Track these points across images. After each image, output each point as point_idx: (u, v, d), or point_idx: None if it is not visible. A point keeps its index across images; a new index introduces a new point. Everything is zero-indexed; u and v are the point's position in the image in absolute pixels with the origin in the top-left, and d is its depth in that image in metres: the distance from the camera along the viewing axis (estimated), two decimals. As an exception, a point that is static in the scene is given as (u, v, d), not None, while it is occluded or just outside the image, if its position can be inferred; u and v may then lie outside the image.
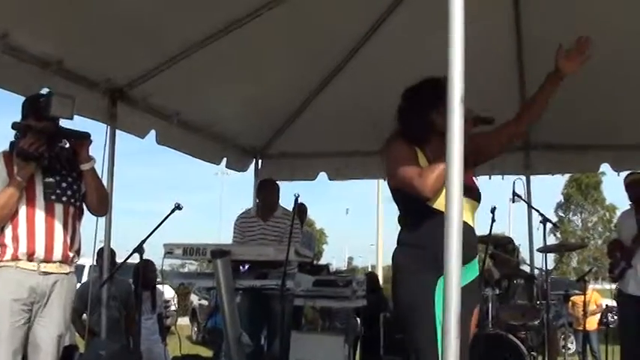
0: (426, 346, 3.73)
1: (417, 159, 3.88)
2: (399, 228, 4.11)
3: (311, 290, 7.02)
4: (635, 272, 7.28)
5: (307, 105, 8.40)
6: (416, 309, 3.80)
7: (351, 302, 7.30)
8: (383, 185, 51.09)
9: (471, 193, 4.04)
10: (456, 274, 2.66)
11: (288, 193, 8.01)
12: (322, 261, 47.29)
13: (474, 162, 4.17)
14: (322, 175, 9.46)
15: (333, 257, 71.82)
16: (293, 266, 7.06)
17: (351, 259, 78.60)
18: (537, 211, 7.88)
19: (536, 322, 7.12)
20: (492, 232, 7.47)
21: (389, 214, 58.55)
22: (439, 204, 3.77)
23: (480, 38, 6.56)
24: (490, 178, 8.83)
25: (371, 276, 10.13)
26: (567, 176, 46.01)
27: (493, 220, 7.36)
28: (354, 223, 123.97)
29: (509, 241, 8.74)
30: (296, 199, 6.54)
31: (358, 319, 9.17)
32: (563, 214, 55.60)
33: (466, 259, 3.98)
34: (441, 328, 3.57)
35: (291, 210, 7.11)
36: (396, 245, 4.08)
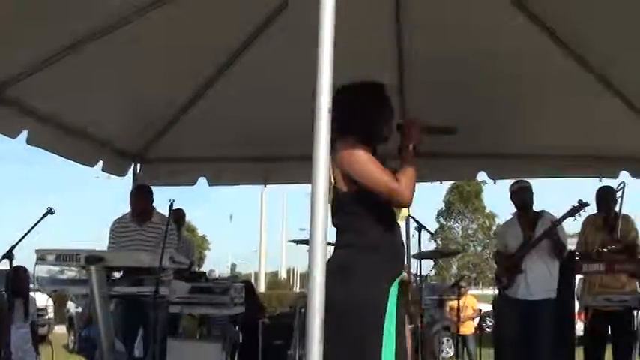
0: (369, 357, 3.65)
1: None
2: (344, 231, 3.93)
3: (187, 297, 6.97)
4: (525, 277, 7.53)
5: (187, 110, 8.28)
6: (364, 316, 3.69)
7: (229, 309, 7.27)
8: (265, 191, 51.44)
9: None
10: (320, 278, 2.66)
11: (175, 198, 7.89)
12: (205, 267, 46.98)
13: None
14: (202, 181, 9.37)
15: (216, 264, 71.47)
16: (169, 273, 6.99)
17: (234, 265, 78.49)
18: (413, 218, 8.03)
19: (410, 325, 7.23)
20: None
21: (272, 220, 58.92)
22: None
23: (361, 52, 6.69)
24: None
25: (248, 283, 10.10)
26: (449, 184, 46.96)
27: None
28: (237, 229, 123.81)
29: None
30: (171, 205, 6.46)
31: (237, 327, 9.15)
32: (444, 221, 56.74)
33: (402, 268, 4.01)
34: (389, 337, 3.67)
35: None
36: (342, 248, 3.91)
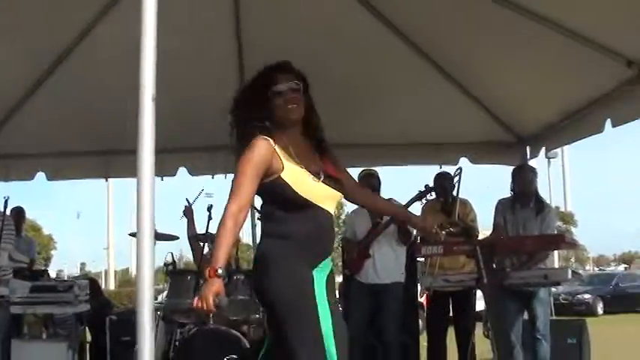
0: (309, 342, 3.65)
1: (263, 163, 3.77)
2: (264, 220, 4.01)
3: (29, 297, 6.82)
4: (374, 262, 7.68)
5: (23, 104, 8.03)
6: (296, 304, 3.70)
7: (74, 307, 7.17)
8: (112, 186, 50.44)
9: (336, 183, 4.03)
10: (148, 272, 2.67)
11: (19, 197, 7.60)
12: (52, 268, 45.73)
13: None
14: (41, 176, 9.09)
15: (65, 264, 69.78)
16: (8, 272, 6.81)
17: (83, 264, 76.96)
18: (254, 207, 8.06)
19: (257, 316, 7.26)
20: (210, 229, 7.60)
21: (119, 217, 57.91)
22: (307, 193, 3.81)
23: (200, 46, 6.68)
24: (213, 177, 8.94)
25: (92, 280, 9.91)
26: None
27: (210, 218, 7.47)
28: (86, 227, 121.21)
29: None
30: (5, 202, 6.31)
31: (84, 325, 8.99)
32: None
33: (331, 249, 4.03)
34: (320, 321, 3.69)
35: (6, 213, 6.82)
36: (262, 237, 3.96)
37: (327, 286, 3.87)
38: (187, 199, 8.14)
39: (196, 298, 3.51)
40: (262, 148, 3.78)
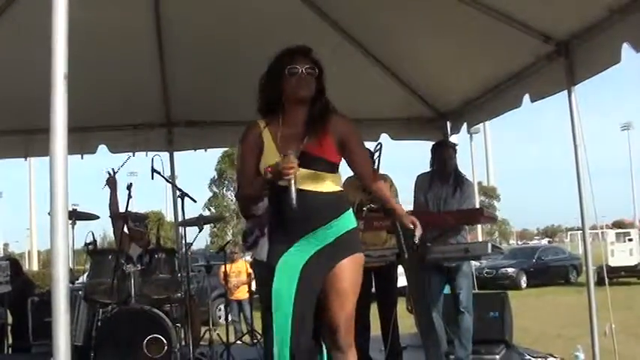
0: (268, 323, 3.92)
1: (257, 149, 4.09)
2: None
3: (-56, 280, 6.72)
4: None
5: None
6: (261, 283, 3.94)
7: (-6, 289, 7.08)
8: (33, 166, 49.59)
9: (315, 164, 4.08)
10: (62, 249, 2.64)
11: None
12: (-26, 249, 44.87)
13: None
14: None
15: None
16: None
17: (6, 245, 75.77)
18: (175, 186, 8.03)
19: (179, 295, 7.25)
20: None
21: (42, 196, 56.96)
22: None
23: (116, 18, 6.59)
24: (134, 155, 8.81)
25: (13, 261, 9.73)
26: (220, 152, 46.40)
27: (130, 197, 7.39)
28: (8, 207, 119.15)
29: (146, 217, 8.80)
30: None
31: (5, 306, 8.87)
32: (217, 190, 56.73)
33: (313, 226, 4.08)
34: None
35: None
36: None
37: (317, 256, 4.04)
38: (112, 169, 8.03)
39: (282, 176, 3.85)
40: (250, 131, 4.18)
